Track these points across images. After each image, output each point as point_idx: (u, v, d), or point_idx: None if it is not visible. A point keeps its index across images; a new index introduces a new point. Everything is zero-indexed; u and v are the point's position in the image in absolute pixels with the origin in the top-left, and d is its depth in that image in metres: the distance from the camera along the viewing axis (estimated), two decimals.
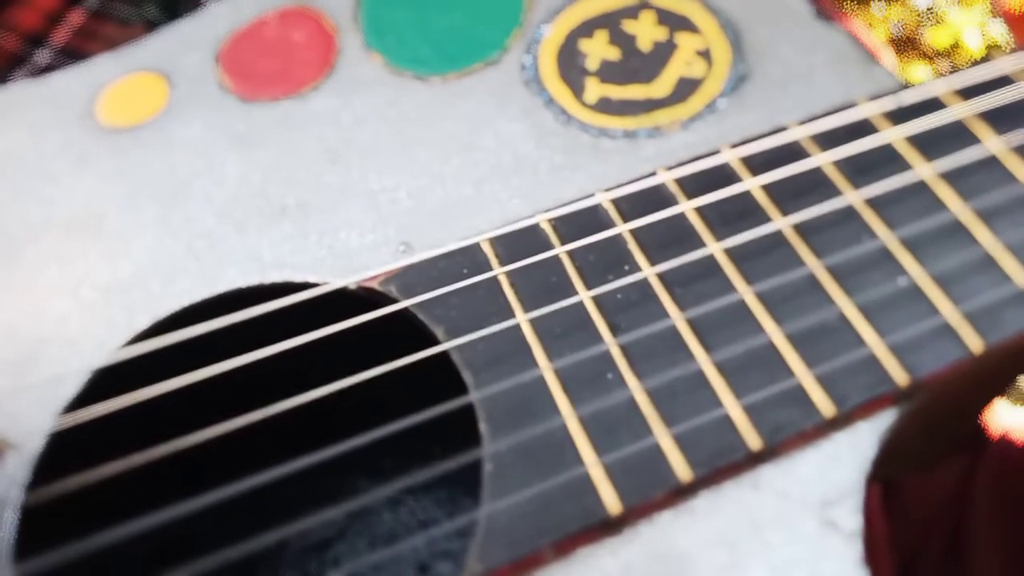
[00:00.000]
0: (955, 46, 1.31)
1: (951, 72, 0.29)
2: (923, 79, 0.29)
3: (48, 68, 0.42)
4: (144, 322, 0.29)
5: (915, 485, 0.40)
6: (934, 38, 1.32)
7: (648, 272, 0.27)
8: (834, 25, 0.32)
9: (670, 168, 0.29)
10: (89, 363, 0.28)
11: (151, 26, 0.43)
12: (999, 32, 1.29)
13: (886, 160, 0.28)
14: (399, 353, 0.26)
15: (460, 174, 0.31)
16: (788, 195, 0.28)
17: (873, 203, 0.27)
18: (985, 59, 0.29)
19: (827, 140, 0.29)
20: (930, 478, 0.40)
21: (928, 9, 1.35)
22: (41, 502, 0.25)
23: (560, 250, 0.28)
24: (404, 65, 0.34)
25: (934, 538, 0.39)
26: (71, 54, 0.43)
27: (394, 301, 0.28)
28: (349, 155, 0.32)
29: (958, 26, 1.31)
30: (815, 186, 0.28)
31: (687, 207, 0.28)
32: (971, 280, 0.25)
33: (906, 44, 1.33)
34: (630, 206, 0.28)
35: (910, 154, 0.28)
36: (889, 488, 0.38)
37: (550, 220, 0.28)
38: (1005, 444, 0.40)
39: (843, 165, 0.28)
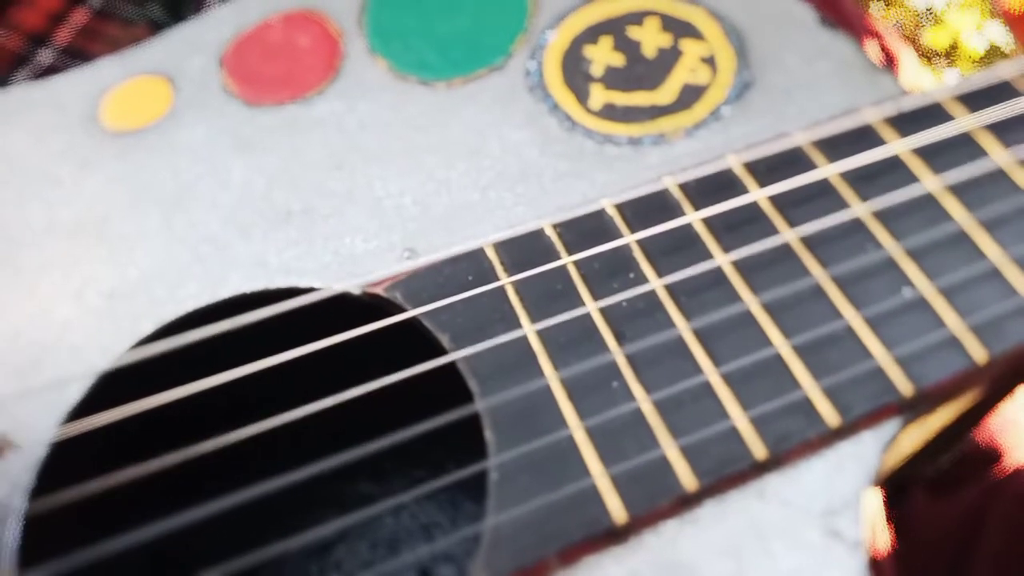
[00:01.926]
0: (953, 47, 1.31)
1: (952, 76, 0.29)
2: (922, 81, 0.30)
3: (51, 68, 0.42)
4: (148, 327, 0.29)
5: (925, 509, 0.40)
6: (932, 39, 1.32)
7: (654, 282, 0.27)
8: (840, 32, 0.32)
9: (675, 175, 0.29)
10: (93, 368, 0.28)
11: (155, 26, 0.43)
12: (997, 32, 1.29)
13: (892, 170, 0.28)
14: (402, 356, 0.26)
15: (465, 180, 0.31)
16: (793, 204, 0.28)
17: (879, 214, 0.27)
18: (985, 63, 0.29)
19: (831, 147, 0.29)
20: (940, 503, 0.40)
21: (927, 10, 1.35)
22: (44, 511, 0.25)
23: (566, 259, 0.28)
24: (409, 70, 0.34)
25: (937, 563, 0.39)
26: (74, 54, 0.42)
27: (399, 307, 0.28)
28: (354, 160, 0.32)
29: (956, 27, 1.31)
30: (820, 195, 0.28)
31: (694, 219, 0.28)
32: (976, 291, 0.25)
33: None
34: (635, 213, 0.28)
35: (916, 165, 0.28)
36: (898, 507, 0.38)
37: (555, 227, 0.28)
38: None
39: (849, 175, 0.28)
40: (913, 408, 0.24)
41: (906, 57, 0.47)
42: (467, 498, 0.36)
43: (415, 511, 0.36)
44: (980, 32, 1.30)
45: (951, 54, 1.31)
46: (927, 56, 1.32)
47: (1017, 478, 0.40)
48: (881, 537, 0.30)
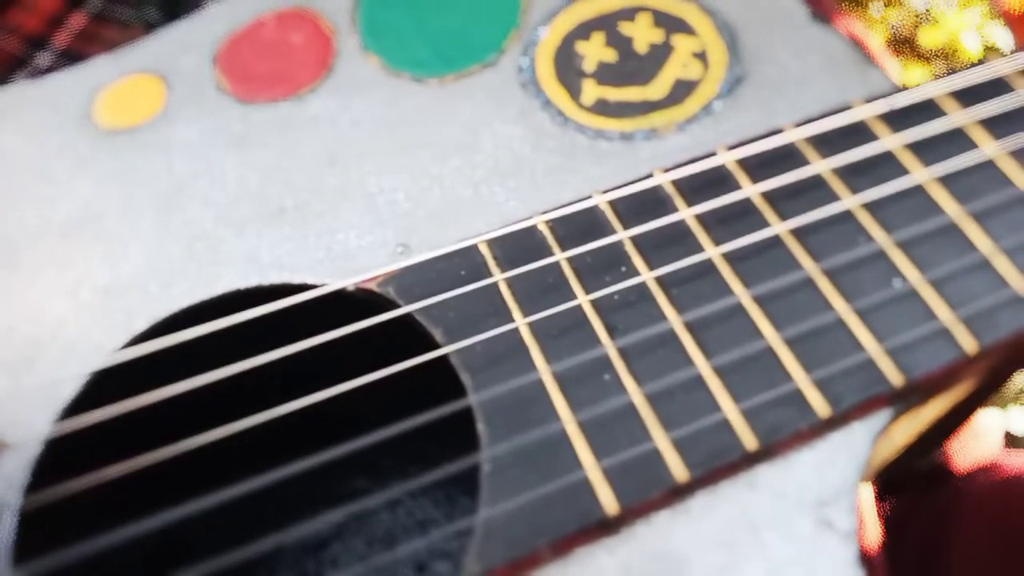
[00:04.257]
0: (952, 47, 1.31)
1: (947, 74, 0.29)
2: (919, 80, 0.30)
3: (49, 71, 0.42)
4: (142, 324, 0.29)
5: (901, 500, 0.40)
6: (931, 39, 1.32)
7: (646, 275, 0.27)
8: (831, 27, 0.32)
9: (667, 170, 0.29)
10: (87, 365, 0.28)
11: (151, 28, 0.43)
12: (996, 33, 1.29)
13: (882, 163, 0.28)
14: (395, 350, 0.26)
15: (458, 176, 0.31)
16: (784, 196, 0.28)
17: (870, 206, 0.27)
18: (980, 61, 0.30)
19: (823, 142, 0.29)
20: (914, 497, 0.40)
21: (926, 10, 1.35)
22: (40, 505, 0.25)
23: (558, 253, 0.28)
24: (402, 67, 0.34)
25: (906, 564, 0.39)
26: (72, 57, 0.43)
27: (392, 302, 0.28)
28: (347, 157, 0.32)
29: (955, 27, 1.31)
30: (812, 188, 0.28)
31: (685, 213, 0.28)
32: (966, 282, 0.25)
33: (903, 45, 1.33)
34: (627, 207, 0.28)
35: (906, 157, 0.28)
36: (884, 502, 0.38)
37: (547, 221, 0.29)
38: (994, 475, 0.40)
39: (840, 169, 0.28)
40: (904, 399, 0.24)
41: (885, 59, 0.47)
42: (462, 494, 0.36)
43: (411, 507, 0.36)
44: (979, 33, 1.30)
45: (949, 55, 1.31)
46: (925, 57, 1.32)
47: (977, 478, 0.40)
48: (872, 530, 0.30)
